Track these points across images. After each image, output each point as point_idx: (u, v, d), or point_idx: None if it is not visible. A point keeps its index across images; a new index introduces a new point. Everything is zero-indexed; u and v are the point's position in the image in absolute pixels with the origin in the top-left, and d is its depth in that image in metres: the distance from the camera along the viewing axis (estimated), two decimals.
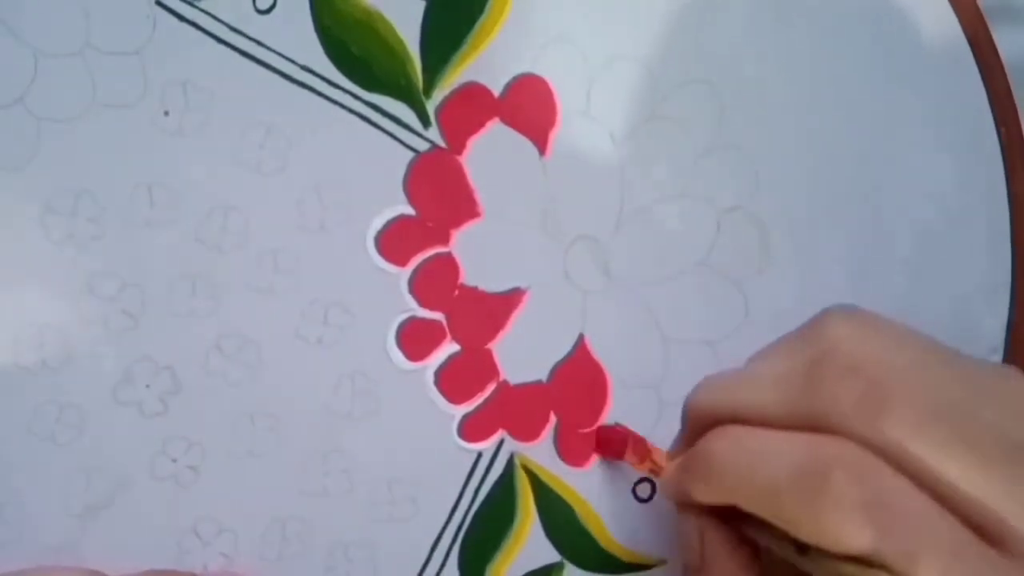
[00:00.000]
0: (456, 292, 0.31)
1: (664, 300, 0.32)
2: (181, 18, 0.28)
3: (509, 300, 0.31)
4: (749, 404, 0.26)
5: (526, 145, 0.31)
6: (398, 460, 0.31)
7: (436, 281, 0.30)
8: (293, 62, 0.29)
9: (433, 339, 0.31)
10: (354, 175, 0.30)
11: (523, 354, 0.31)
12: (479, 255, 0.31)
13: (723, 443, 0.26)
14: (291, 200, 0.29)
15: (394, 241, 0.30)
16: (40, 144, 0.28)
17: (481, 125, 0.30)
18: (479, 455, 0.31)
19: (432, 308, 0.31)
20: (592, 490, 0.32)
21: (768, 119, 0.32)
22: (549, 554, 0.32)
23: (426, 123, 0.30)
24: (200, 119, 0.28)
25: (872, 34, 0.32)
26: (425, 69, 0.30)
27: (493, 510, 0.31)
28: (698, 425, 0.27)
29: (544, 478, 0.32)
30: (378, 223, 0.30)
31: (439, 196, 0.30)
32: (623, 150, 0.31)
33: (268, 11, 0.29)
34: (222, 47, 0.28)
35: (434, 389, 0.31)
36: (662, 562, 0.32)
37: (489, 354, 0.31)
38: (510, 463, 0.31)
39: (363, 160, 0.30)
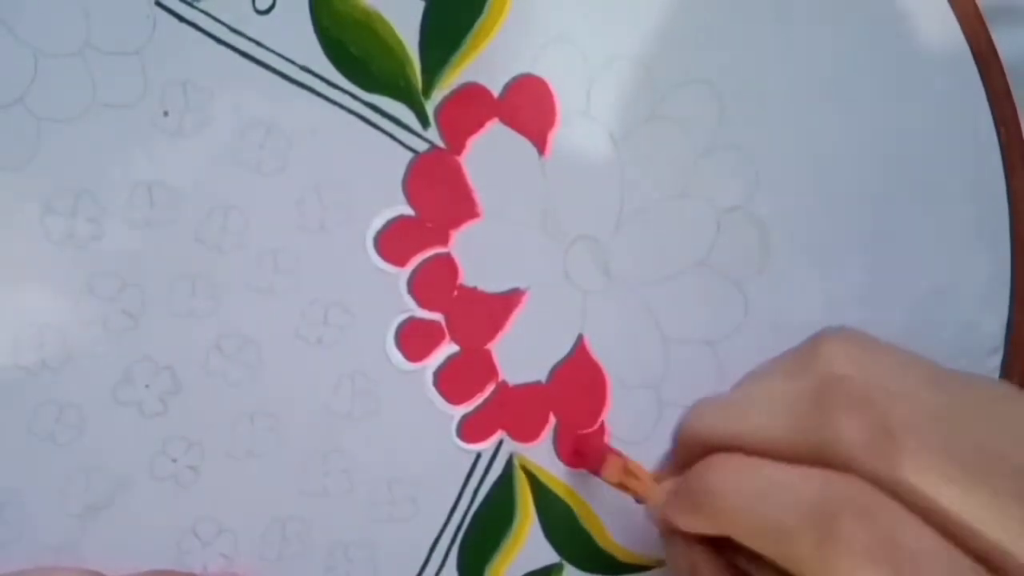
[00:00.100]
0: (455, 292, 0.31)
1: (664, 300, 0.32)
2: (181, 18, 0.28)
3: (508, 300, 0.31)
4: (750, 432, 0.25)
5: (526, 145, 0.31)
6: (398, 460, 0.31)
7: (435, 281, 0.30)
8: (292, 62, 0.29)
9: (432, 339, 0.31)
10: (354, 175, 0.30)
11: (522, 354, 0.31)
12: (478, 255, 0.31)
13: (723, 474, 0.25)
14: (291, 200, 0.29)
15: (393, 241, 0.30)
16: (40, 144, 0.28)
17: (480, 125, 0.30)
18: (478, 455, 0.31)
19: (431, 308, 0.31)
20: (591, 491, 0.32)
21: (768, 119, 0.32)
22: (548, 555, 0.32)
23: (425, 123, 0.30)
24: (200, 119, 0.29)
25: (872, 34, 0.32)
26: (424, 69, 0.30)
27: (492, 511, 0.31)
28: (691, 450, 0.27)
29: (543, 479, 0.32)
30: (378, 223, 0.30)
31: (438, 196, 0.30)
32: (623, 150, 0.31)
33: (267, 12, 0.29)
34: (222, 47, 0.28)
35: (433, 389, 0.31)
36: (661, 563, 0.32)
37: (488, 354, 0.31)
38: (509, 464, 0.31)
39: (363, 160, 0.30)
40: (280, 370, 0.30)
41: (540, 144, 0.31)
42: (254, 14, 0.29)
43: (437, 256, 0.30)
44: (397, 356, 0.30)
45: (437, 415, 0.31)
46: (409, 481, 0.31)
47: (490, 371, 0.31)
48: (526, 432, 0.31)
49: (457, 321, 0.31)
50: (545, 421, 0.32)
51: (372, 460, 0.30)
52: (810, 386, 0.24)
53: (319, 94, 0.29)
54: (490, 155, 0.30)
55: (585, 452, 0.31)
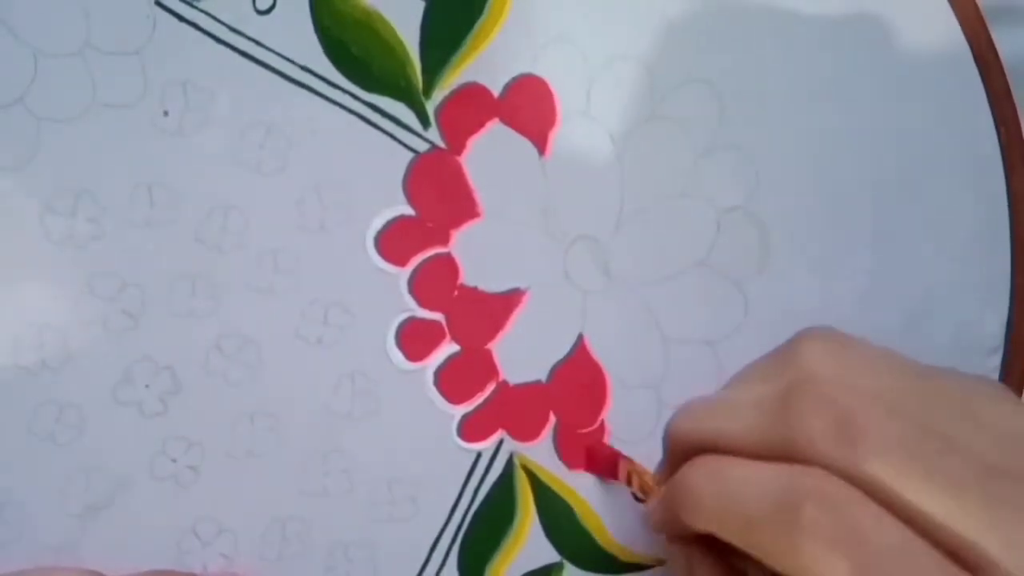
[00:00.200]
0: (456, 292, 0.31)
1: (664, 300, 0.32)
2: (181, 18, 0.28)
3: (509, 300, 0.31)
4: (724, 432, 0.26)
5: (526, 145, 0.31)
6: (398, 460, 0.31)
7: (436, 281, 0.30)
8: (293, 62, 0.29)
9: (433, 339, 0.31)
10: (354, 175, 0.30)
11: (523, 354, 0.31)
12: (479, 255, 0.31)
13: (700, 473, 0.25)
14: (291, 200, 0.29)
15: (394, 241, 0.30)
16: (40, 144, 0.28)
17: (481, 125, 0.30)
18: (479, 455, 0.31)
19: (432, 308, 0.31)
20: (591, 490, 0.32)
21: (768, 119, 0.32)
22: (548, 554, 0.32)
23: (426, 123, 0.30)
24: (200, 119, 0.29)
25: (872, 34, 0.32)
26: (425, 69, 0.30)
27: (492, 510, 0.31)
28: (679, 452, 0.27)
29: (543, 478, 0.32)
30: (378, 223, 0.30)
31: (439, 196, 0.30)
32: (623, 150, 0.31)
33: (268, 11, 0.29)
34: (222, 47, 0.28)
35: (434, 389, 0.31)
36: (661, 562, 0.32)
37: (489, 354, 0.31)
38: (509, 463, 0.31)
39: (363, 160, 0.30)
40: (280, 370, 0.30)
41: (540, 144, 0.31)
42: (254, 14, 0.29)
43: (437, 256, 0.30)
44: (397, 356, 0.30)
45: (437, 415, 0.31)
46: (409, 481, 0.31)
47: (490, 371, 0.31)
48: (526, 431, 0.31)
49: (457, 321, 0.31)
50: (545, 420, 0.32)
51: (372, 460, 0.30)
52: (782, 386, 0.25)
53: (319, 94, 0.29)
54: (490, 155, 0.30)
55: (601, 459, 0.31)
